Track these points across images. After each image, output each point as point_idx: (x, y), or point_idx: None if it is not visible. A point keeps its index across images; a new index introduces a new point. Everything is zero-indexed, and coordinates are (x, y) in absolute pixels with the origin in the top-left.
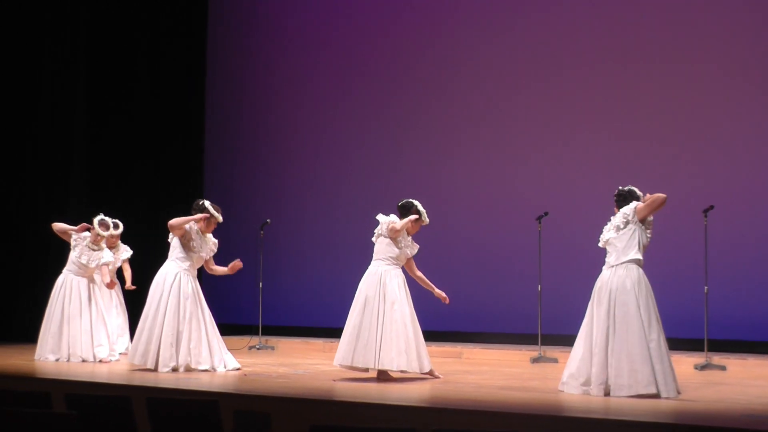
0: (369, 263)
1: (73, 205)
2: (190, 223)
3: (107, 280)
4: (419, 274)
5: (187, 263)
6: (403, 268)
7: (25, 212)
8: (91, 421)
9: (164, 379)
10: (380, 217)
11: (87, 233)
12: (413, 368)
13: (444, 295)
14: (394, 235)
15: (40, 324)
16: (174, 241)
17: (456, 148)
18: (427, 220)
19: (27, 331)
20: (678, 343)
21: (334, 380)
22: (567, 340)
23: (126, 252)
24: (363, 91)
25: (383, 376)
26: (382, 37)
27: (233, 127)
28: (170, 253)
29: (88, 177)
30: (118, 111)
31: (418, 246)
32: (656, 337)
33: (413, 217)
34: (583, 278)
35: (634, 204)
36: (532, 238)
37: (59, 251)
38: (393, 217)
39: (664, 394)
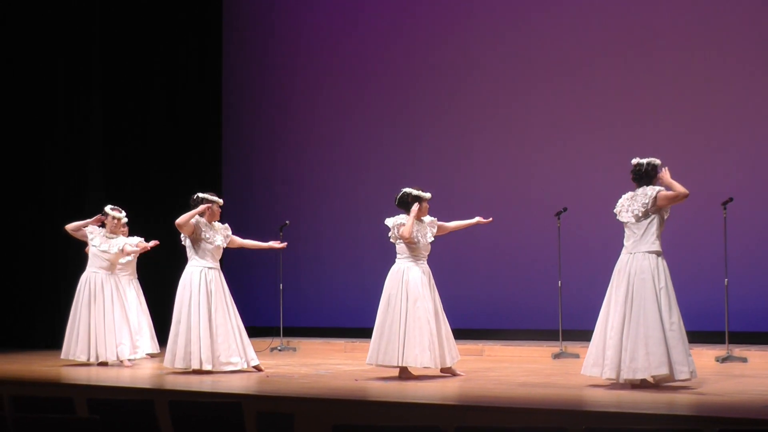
0: (388, 261)
1: (90, 214)
2: (195, 216)
3: (135, 249)
4: (453, 225)
5: (208, 258)
6: (428, 261)
7: (45, 220)
8: (114, 424)
9: (186, 381)
10: (388, 221)
11: (101, 227)
12: (437, 364)
13: (483, 220)
14: (407, 240)
15: (65, 324)
16: (187, 242)
17: (474, 145)
18: (428, 195)
19: (48, 338)
20: (699, 335)
21: (356, 380)
22: (588, 335)
23: (136, 239)
24: (378, 91)
25: (404, 374)
26: (397, 36)
27: (250, 128)
28: (188, 255)
29: (105, 185)
30: (135, 123)
31: (434, 218)
32: (676, 320)
33: (414, 210)
34: (603, 273)
35: (655, 191)
36: (552, 234)
37: (79, 258)
38: (399, 219)
39: (678, 376)
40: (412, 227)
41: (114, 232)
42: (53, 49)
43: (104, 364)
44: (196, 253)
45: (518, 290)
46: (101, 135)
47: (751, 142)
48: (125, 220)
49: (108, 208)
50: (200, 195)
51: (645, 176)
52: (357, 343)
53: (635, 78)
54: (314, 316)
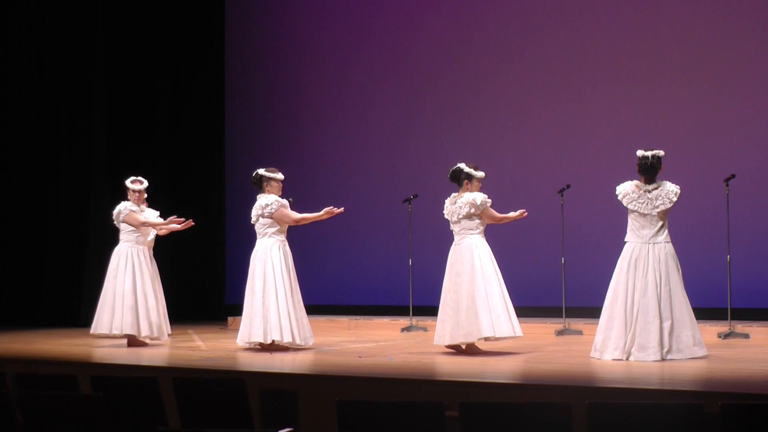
0: (392, 239)
1: (94, 198)
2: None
3: (160, 221)
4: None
5: (284, 234)
6: (432, 238)
7: (49, 199)
8: (118, 402)
9: (190, 359)
10: (476, 198)
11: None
12: (516, 332)
13: (520, 213)
14: (498, 221)
15: (76, 306)
16: (263, 220)
17: (477, 121)
18: (481, 174)
19: (51, 317)
20: (701, 311)
21: (360, 357)
22: (592, 312)
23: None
24: (382, 78)
25: (472, 349)
26: (399, 19)
27: (252, 116)
28: (263, 231)
29: (109, 177)
30: (139, 119)
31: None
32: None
33: (487, 200)
34: (606, 250)
35: (676, 197)
36: (555, 211)
37: (83, 236)
38: (479, 199)
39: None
40: (505, 218)
41: (138, 203)
42: (57, 44)
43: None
44: (276, 228)
45: (521, 267)
46: (105, 128)
47: (754, 119)
48: (147, 183)
49: (128, 182)
50: (260, 171)
51: (651, 168)
52: (361, 320)
53: (639, 56)
54: (318, 293)
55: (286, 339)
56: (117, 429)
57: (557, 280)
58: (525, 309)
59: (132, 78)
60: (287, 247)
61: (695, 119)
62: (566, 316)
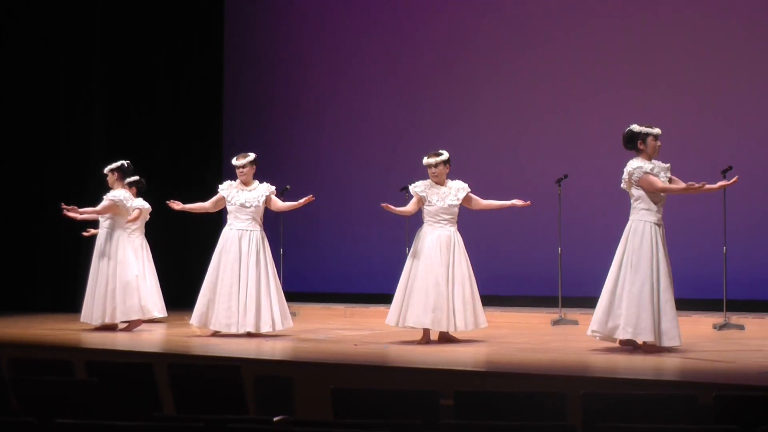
0: (388, 227)
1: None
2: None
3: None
4: (485, 204)
5: (230, 218)
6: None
7: (46, 181)
8: (113, 387)
9: (185, 345)
10: (410, 187)
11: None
12: (440, 327)
13: (519, 203)
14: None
15: (71, 291)
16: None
17: (474, 111)
18: (431, 160)
19: (47, 302)
20: (697, 303)
21: (356, 345)
22: (588, 302)
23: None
24: (378, 63)
25: (425, 338)
26: (398, 8)
27: (250, 99)
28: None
29: (107, 166)
30: (138, 103)
31: (466, 186)
32: (638, 283)
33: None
34: (603, 240)
35: (641, 170)
36: (552, 200)
37: (80, 222)
38: (416, 186)
39: (618, 335)
40: (410, 209)
41: (113, 186)
42: (55, 30)
43: (111, 327)
44: (228, 215)
45: (518, 257)
46: (103, 112)
47: (751, 110)
48: (116, 165)
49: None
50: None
51: (623, 139)
52: (357, 308)
53: (637, 44)
54: (314, 281)
55: (224, 329)
56: (112, 414)
57: (554, 269)
58: (521, 298)
59: (132, 62)
60: (231, 231)
61: (693, 110)
62: (562, 306)
